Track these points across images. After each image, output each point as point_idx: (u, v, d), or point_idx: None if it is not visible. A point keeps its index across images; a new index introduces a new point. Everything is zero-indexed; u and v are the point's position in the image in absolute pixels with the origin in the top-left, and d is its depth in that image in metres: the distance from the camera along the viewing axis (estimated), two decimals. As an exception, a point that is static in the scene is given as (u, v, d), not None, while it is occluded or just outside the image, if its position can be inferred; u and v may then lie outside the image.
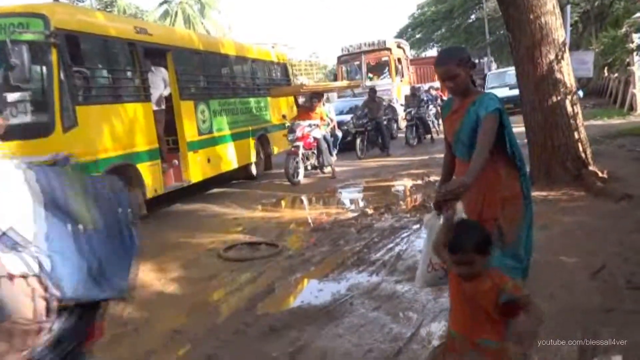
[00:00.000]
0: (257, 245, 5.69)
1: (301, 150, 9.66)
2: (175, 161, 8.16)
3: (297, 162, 9.53)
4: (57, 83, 5.82)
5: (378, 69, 20.63)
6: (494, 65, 31.86)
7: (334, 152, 10.96)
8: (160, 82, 8.15)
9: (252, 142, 10.40)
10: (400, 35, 34.93)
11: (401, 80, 19.70)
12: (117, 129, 6.73)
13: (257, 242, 5.79)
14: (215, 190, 9.53)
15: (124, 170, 6.65)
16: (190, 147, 8.27)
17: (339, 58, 20.59)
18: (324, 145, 10.21)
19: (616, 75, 17.54)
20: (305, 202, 8.36)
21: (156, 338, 3.60)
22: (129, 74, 7.50)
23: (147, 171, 7.11)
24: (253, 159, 10.49)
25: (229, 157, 9.57)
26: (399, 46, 20.44)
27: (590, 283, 3.80)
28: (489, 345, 2.09)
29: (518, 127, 10.06)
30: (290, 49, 29.47)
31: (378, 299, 3.94)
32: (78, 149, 5.92)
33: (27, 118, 5.84)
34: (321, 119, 10.43)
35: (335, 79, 20.33)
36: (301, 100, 12.31)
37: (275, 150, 11.41)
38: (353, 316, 3.67)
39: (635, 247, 4.41)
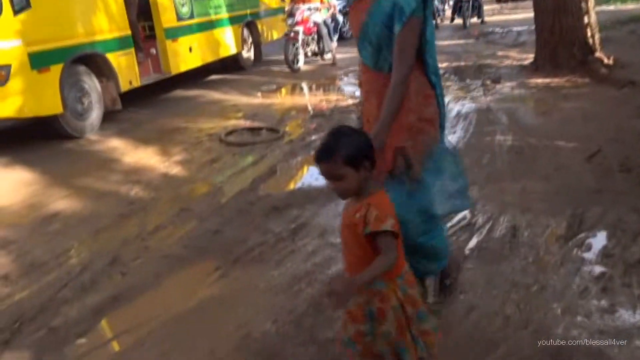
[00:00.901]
0: (258, 131, 5.73)
1: (301, 36, 9.36)
2: (153, 50, 7.46)
3: (296, 48, 9.27)
4: None
5: None
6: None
7: (335, 38, 10.63)
8: None
9: (239, 29, 9.50)
10: None
11: None
12: (80, 13, 5.97)
13: (258, 128, 5.83)
14: (214, 77, 9.38)
15: (91, 61, 6.08)
16: (168, 35, 7.52)
17: None
18: (325, 31, 9.88)
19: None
20: (306, 89, 8.28)
21: (163, 215, 3.75)
22: None
23: (118, 61, 6.44)
24: (240, 48, 9.65)
25: (213, 46, 8.77)
26: None
27: (584, 166, 3.90)
28: (374, 287, 1.72)
29: (527, 13, 9.68)
30: None
31: (377, 181, 4.05)
32: (34, 36, 5.25)
33: None
34: (321, 1, 9.99)
35: None
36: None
37: (274, 35, 10.99)
38: (352, 196, 3.79)
39: (632, 132, 4.47)
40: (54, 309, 2.71)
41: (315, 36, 9.94)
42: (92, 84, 6.09)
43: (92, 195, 4.22)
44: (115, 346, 2.46)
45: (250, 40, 10.17)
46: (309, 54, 10.02)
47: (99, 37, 6.17)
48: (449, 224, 3.23)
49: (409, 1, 1.99)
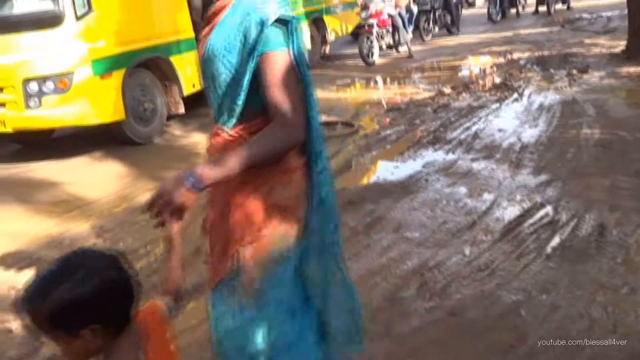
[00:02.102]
0: (334, 125, 5.78)
1: (375, 29, 9.31)
2: None
3: (371, 42, 9.24)
4: None
5: None
6: None
7: (410, 30, 10.49)
8: None
9: (304, 26, 9.10)
10: None
11: None
12: (143, 16, 5.82)
13: (333, 122, 5.88)
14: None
15: (154, 65, 5.95)
16: None
17: None
18: (400, 22, 9.77)
19: None
20: (380, 82, 8.24)
21: (243, 208, 3.89)
22: None
23: (182, 64, 6.23)
24: (307, 45, 9.23)
25: None
26: None
27: (682, 161, 3.63)
28: None
29: (618, -5, 9.06)
30: None
31: (453, 175, 3.99)
32: (96, 41, 5.17)
33: (32, 5, 5.12)
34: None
35: None
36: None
37: (349, 29, 10.94)
38: (428, 191, 3.76)
39: None
40: (145, 293, 2.88)
41: (390, 28, 9.86)
42: (155, 88, 5.96)
43: (177, 187, 4.44)
44: (199, 331, 2.59)
45: (317, 37, 9.90)
46: (384, 47, 9.96)
47: (161, 41, 6.01)
48: (529, 221, 3.13)
49: (267, 14, 1.32)
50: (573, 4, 13.40)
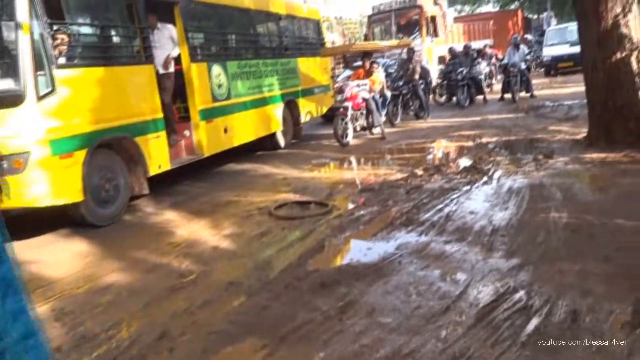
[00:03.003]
0: (307, 204, 5.79)
1: (350, 111, 9.62)
2: (187, 132, 7.27)
3: (346, 123, 9.51)
4: (30, 39, 4.87)
5: (408, 28, 19.21)
6: (554, 21, 30.33)
7: (383, 113, 10.88)
8: (168, 41, 7.02)
9: (278, 109, 9.48)
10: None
11: (432, 40, 18.17)
12: (109, 96, 5.72)
13: (307, 201, 5.90)
14: (265, 151, 9.68)
15: (119, 145, 5.89)
16: (203, 116, 7.33)
17: (369, 18, 20.04)
18: (373, 106, 10.13)
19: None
20: (354, 163, 8.39)
21: (212, 290, 3.78)
22: (124, 30, 6.40)
23: (148, 145, 6.17)
24: (279, 127, 9.57)
25: (250, 126, 8.61)
26: (435, 3, 19.25)
27: (648, 246, 3.70)
28: None
29: (578, 87, 9.59)
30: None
31: (427, 258, 3.98)
32: (57, 120, 5.07)
33: None
34: (370, 79, 10.35)
35: (366, 40, 19.58)
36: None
37: (323, 110, 11.25)
38: (401, 274, 3.73)
39: (699, 210, 4.24)
40: (102, 384, 2.71)
41: (364, 111, 10.20)
42: (118, 168, 5.85)
43: (145, 267, 4.32)
44: None
45: (290, 119, 10.09)
46: (358, 128, 10.25)
47: (128, 121, 5.93)
48: (503, 306, 3.10)
49: None
50: (536, 93, 14.15)
